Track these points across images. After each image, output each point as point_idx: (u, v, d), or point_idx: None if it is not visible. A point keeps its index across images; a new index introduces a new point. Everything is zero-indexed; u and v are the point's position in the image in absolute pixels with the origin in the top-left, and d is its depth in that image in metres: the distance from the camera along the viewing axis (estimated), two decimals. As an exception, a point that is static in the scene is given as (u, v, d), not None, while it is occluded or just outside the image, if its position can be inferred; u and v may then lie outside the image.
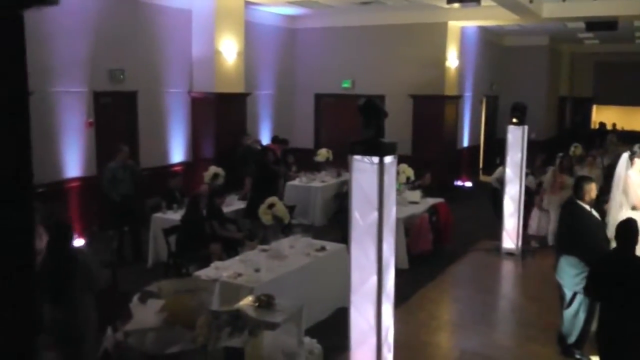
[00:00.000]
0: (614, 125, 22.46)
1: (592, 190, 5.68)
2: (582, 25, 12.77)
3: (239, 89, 11.67)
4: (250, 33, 12.24)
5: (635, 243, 4.55)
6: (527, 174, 10.70)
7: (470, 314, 7.14)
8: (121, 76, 10.21)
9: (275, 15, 13.66)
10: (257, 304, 4.77)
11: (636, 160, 6.83)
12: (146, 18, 10.61)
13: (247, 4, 11.76)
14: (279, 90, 14.15)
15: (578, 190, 5.73)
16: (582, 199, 5.66)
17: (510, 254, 9.35)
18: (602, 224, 5.85)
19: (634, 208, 6.63)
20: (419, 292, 7.67)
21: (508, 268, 9.16)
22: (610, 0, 11.33)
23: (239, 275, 5.82)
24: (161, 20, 10.86)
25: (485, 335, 6.46)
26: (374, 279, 4.16)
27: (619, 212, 6.61)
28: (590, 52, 21.86)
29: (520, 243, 9.42)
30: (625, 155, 6.93)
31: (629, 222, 4.73)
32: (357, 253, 4.19)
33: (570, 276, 5.46)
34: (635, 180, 6.79)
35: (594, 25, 12.41)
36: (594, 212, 5.73)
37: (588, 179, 5.88)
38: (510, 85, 17.30)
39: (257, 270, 5.95)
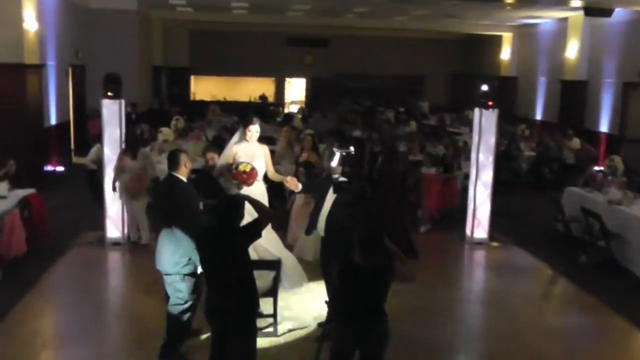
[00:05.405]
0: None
1: (187, 161, 5.87)
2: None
3: None
4: None
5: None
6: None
7: (78, 322, 6.69)
8: None
9: None
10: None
11: (251, 131, 7.31)
12: None
13: None
14: None
15: (173, 163, 5.81)
16: (178, 171, 5.78)
17: (116, 243, 9.08)
18: (198, 195, 6.07)
19: None
20: (18, 304, 6.90)
21: (115, 259, 8.93)
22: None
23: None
24: None
25: (95, 345, 6.15)
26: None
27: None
28: (184, 19, 22.39)
29: (127, 230, 9.21)
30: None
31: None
32: None
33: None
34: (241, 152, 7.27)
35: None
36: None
37: (180, 151, 6.14)
38: (99, 54, 16.69)
39: None
